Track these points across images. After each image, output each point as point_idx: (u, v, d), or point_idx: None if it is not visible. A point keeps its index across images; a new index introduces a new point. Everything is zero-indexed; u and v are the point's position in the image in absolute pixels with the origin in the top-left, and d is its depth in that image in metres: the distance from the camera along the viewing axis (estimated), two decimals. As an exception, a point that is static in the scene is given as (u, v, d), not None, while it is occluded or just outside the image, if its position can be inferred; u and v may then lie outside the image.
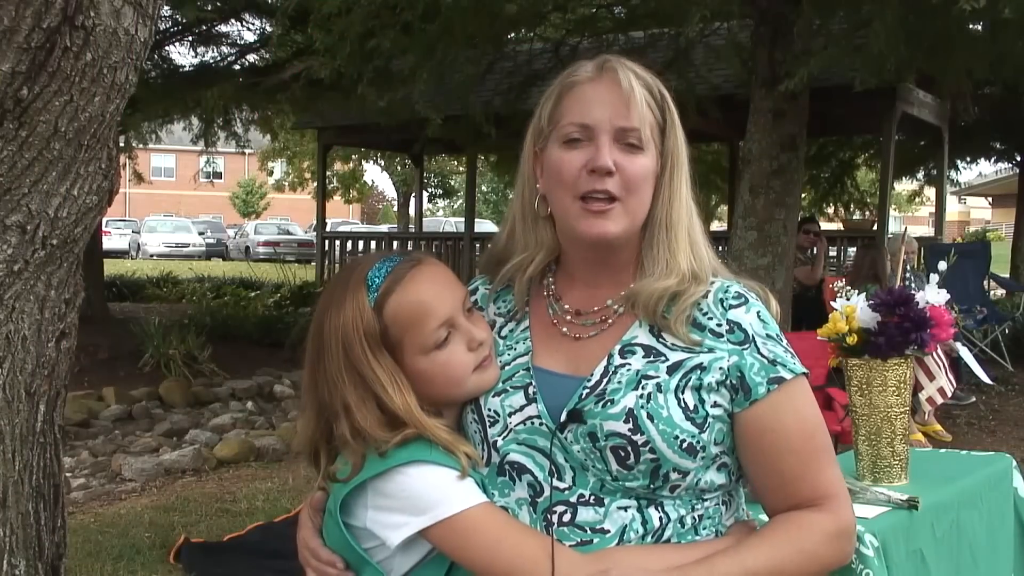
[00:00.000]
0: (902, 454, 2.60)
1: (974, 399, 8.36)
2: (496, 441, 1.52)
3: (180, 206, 48.42)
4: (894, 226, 22.55)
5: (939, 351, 2.86)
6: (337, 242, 17.56)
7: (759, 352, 1.48)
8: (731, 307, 1.51)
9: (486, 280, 1.69)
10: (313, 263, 20.65)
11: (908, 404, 2.63)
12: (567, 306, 1.58)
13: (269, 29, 10.68)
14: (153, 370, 9.29)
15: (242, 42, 12.22)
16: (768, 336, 1.50)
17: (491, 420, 1.54)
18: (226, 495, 5.93)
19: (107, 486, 6.29)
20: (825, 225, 19.33)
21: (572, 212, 1.50)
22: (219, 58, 12.19)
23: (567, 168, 1.49)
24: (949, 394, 2.98)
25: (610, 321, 1.54)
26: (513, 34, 10.50)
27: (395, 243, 17.55)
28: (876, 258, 7.78)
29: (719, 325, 1.49)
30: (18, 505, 1.70)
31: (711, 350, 1.48)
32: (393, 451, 1.46)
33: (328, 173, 23.09)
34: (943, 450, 4.04)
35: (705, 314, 1.50)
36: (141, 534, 5.13)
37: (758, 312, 1.52)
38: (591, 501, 1.46)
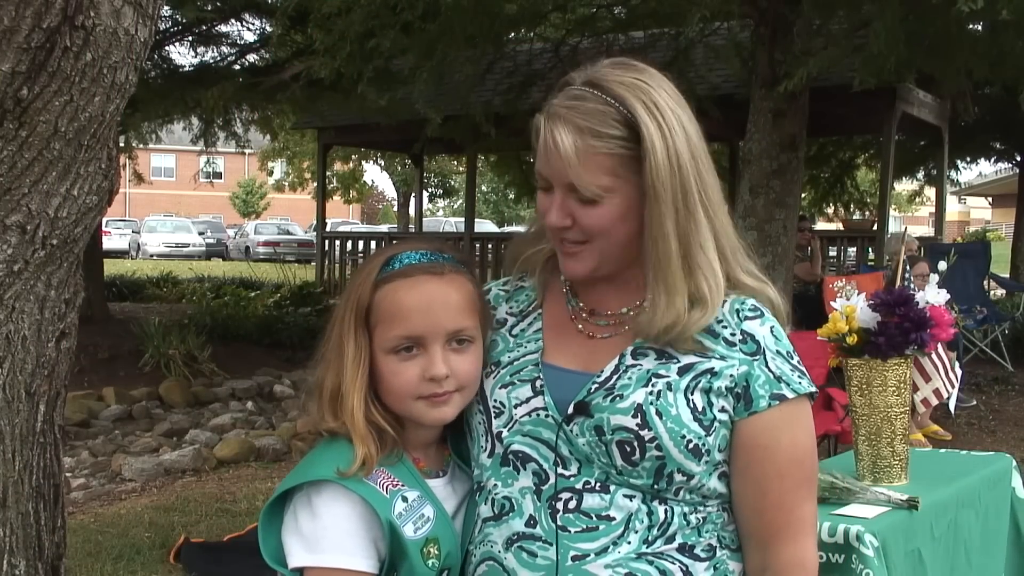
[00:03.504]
0: (902, 454, 2.60)
1: (975, 402, 8.37)
2: (501, 432, 1.52)
3: (180, 206, 48.39)
4: (894, 226, 22.55)
5: (940, 351, 2.86)
6: (337, 242, 17.56)
7: (767, 366, 1.47)
8: (746, 318, 1.50)
9: (501, 283, 1.69)
10: (313, 263, 20.65)
11: (908, 404, 2.63)
12: (582, 304, 1.58)
13: (269, 29, 10.67)
14: (153, 370, 9.28)
15: (242, 42, 12.21)
16: (778, 352, 1.49)
17: (496, 411, 1.53)
18: (226, 495, 5.93)
19: (107, 486, 6.29)
20: (825, 225, 19.42)
21: (555, 246, 1.54)
22: (219, 58, 12.19)
23: (540, 212, 1.51)
24: (945, 396, 2.99)
25: (626, 327, 1.52)
26: (513, 34, 10.51)
27: (395, 243, 17.51)
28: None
29: (733, 335, 1.48)
30: (18, 505, 1.69)
31: (723, 358, 1.47)
32: (311, 456, 1.50)
33: (328, 173, 23.09)
34: (943, 450, 4.05)
35: (720, 322, 1.49)
36: (141, 534, 5.13)
37: (772, 327, 1.51)
38: (597, 488, 1.46)
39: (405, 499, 1.48)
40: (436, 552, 1.48)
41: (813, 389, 1.51)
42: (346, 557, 1.45)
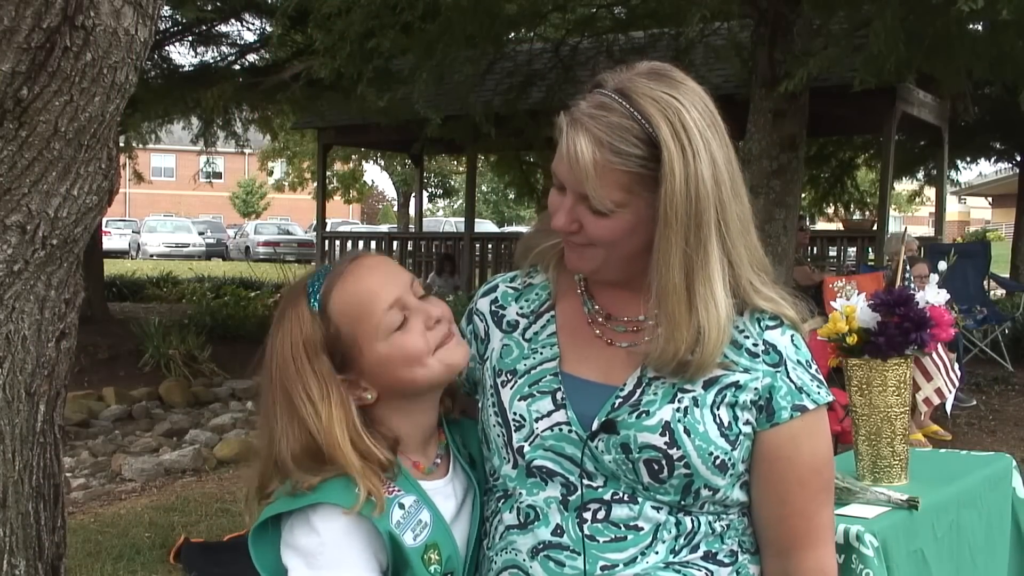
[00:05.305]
0: (902, 454, 2.59)
1: (975, 402, 8.37)
2: (522, 447, 1.49)
3: (180, 206, 48.39)
4: (894, 226, 22.55)
5: (940, 351, 2.86)
6: (337, 242, 17.55)
7: (788, 377, 1.47)
8: (768, 328, 1.49)
9: (509, 279, 1.66)
10: (313, 263, 20.63)
11: (908, 404, 2.63)
12: (598, 307, 1.55)
13: (269, 29, 10.68)
14: (153, 370, 9.29)
15: (242, 42, 12.23)
16: (799, 362, 1.48)
17: (516, 425, 1.50)
18: (226, 495, 5.93)
19: (107, 486, 6.29)
20: (825, 225, 19.40)
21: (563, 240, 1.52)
22: (219, 58, 12.20)
23: (550, 207, 1.48)
24: (947, 395, 2.98)
25: (647, 339, 1.47)
26: (513, 34, 10.51)
27: (395, 243, 17.55)
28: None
29: (755, 345, 1.47)
30: (18, 505, 1.69)
31: (747, 370, 1.46)
32: (303, 491, 1.43)
33: (328, 173, 23.07)
34: (943, 450, 4.04)
35: (742, 332, 1.48)
36: (141, 534, 5.13)
37: (792, 336, 1.50)
38: (625, 499, 1.45)
39: (402, 506, 1.46)
40: (437, 558, 1.47)
41: (832, 398, 1.51)
42: (348, 572, 1.43)
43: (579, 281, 1.57)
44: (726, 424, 1.44)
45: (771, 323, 1.49)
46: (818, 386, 1.49)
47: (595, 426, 1.45)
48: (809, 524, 1.49)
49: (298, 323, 1.47)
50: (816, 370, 1.51)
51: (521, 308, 1.61)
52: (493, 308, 1.63)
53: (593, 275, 1.52)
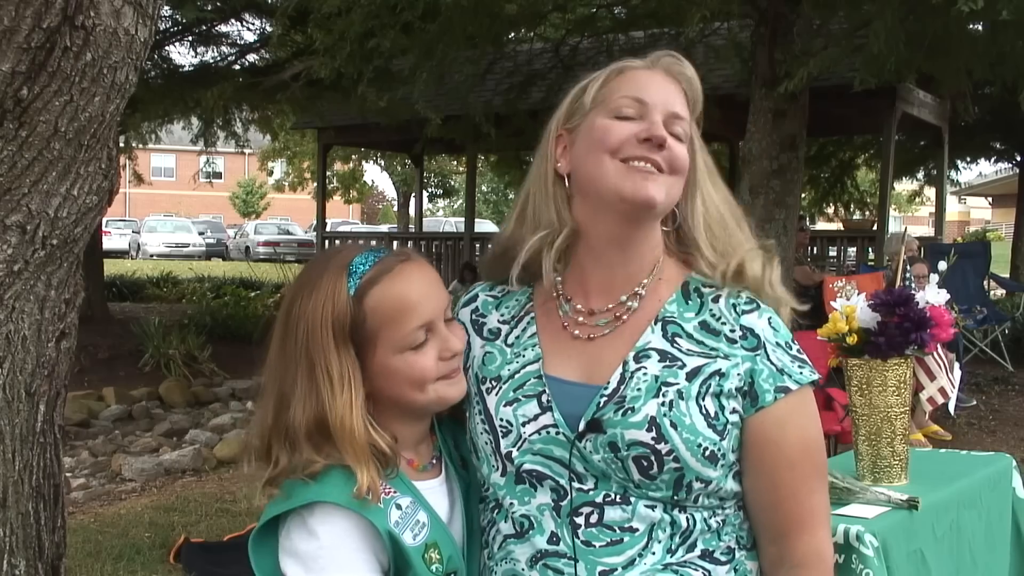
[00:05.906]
0: (902, 454, 2.59)
1: (975, 402, 8.37)
2: (510, 452, 1.49)
3: (180, 206, 48.36)
4: (894, 226, 22.55)
5: (940, 351, 2.85)
6: (337, 242, 17.56)
7: (769, 359, 1.47)
8: (744, 312, 1.49)
9: (487, 287, 1.65)
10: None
11: (908, 404, 2.63)
12: (579, 306, 1.54)
13: (269, 29, 10.68)
14: (153, 370, 9.30)
15: (242, 42, 12.23)
16: (778, 344, 1.49)
17: (503, 431, 1.50)
18: (226, 495, 5.93)
19: (107, 486, 6.30)
20: (825, 225, 19.40)
21: (614, 173, 1.44)
22: (219, 58, 12.20)
23: (615, 134, 1.45)
24: (950, 394, 2.98)
25: (624, 318, 1.50)
26: (513, 34, 10.51)
27: (395, 243, 17.55)
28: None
29: (732, 331, 1.48)
30: (18, 505, 1.70)
31: (727, 356, 1.46)
32: (308, 483, 1.42)
33: (328, 173, 23.08)
34: (943, 450, 4.04)
35: (718, 319, 1.49)
36: (141, 534, 5.14)
37: (769, 318, 1.50)
38: (617, 500, 1.44)
39: (399, 506, 1.45)
40: (438, 557, 1.47)
41: (815, 377, 1.51)
42: (349, 575, 1.42)
43: (556, 285, 1.57)
44: (712, 414, 1.43)
45: (747, 307, 1.50)
46: (800, 366, 1.48)
47: (582, 426, 1.45)
48: (802, 508, 1.49)
49: (332, 299, 1.45)
50: (798, 350, 1.50)
51: (502, 315, 1.61)
52: (473, 317, 1.63)
53: (658, 208, 1.47)
